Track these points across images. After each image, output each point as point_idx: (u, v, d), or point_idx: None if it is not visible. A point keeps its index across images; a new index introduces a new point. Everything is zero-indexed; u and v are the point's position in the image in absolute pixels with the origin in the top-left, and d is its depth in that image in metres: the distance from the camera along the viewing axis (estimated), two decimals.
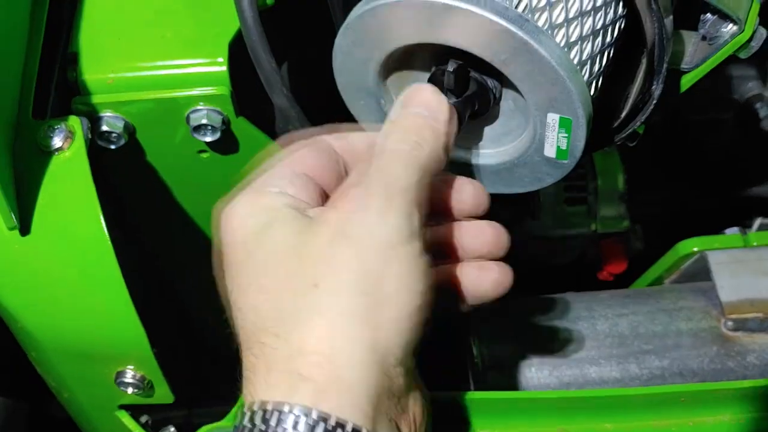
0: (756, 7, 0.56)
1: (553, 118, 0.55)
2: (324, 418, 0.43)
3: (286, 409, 0.43)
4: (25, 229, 0.57)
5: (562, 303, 0.86)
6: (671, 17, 0.54)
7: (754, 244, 0.88)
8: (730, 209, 1.10)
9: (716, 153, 1.10)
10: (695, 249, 0.87)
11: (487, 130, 0.61)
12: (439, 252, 0.53)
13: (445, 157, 0.52)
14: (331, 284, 0.46)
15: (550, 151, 0.57)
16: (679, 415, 0.64)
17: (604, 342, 0.83)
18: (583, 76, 0.55)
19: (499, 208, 0.97)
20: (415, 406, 0.49)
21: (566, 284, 1.00)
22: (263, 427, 0.43)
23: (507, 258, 1.07)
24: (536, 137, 0.56)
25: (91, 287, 0.58)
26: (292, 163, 0.52)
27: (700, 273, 0.88)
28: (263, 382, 0.45)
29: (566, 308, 0.86)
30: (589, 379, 0.82)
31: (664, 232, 1.06)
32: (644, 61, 0.57)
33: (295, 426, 0.43)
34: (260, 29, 0.62)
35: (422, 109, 0.52)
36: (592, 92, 0.56)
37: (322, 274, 0.46)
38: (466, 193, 0.55)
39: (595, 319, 0.85)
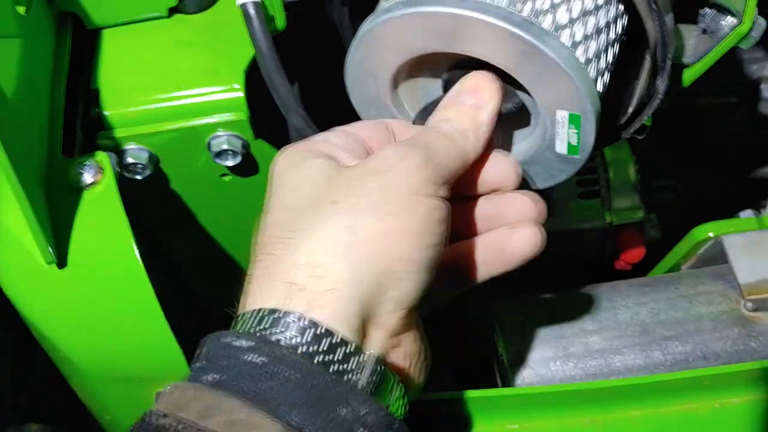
0: None
1: (562, 116, 0.56)
2: (315, 324, 0.44)
3: (280, 314, 0.45)
4: (62, 262, 0.59)
5: (583, 295, 0.88)
6: (671, 14, 0.56)
7: None
8: (744, 191, 1.11)
9: (726, 136, 1.11)
10: (711, 234, 0.88)
11: (499, 132, 0.63)
12: (455, 233, 0.55)
13: (482, 148, 0.55)
14: (349, 202, 0.48)
15: (561, 148, 0.58)
16: (705, 397, 0.65)
17: (627, 331, 0.84)
18: (590, 73, 0.57)
19: None
20: (410, 345, 0.50)
21: (585, 276, 1.01)
22: (256, 330, 0.44)
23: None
24: (547, 135, 0.58)
25: (128, 315, 0.60)
26: (344, 127, 0.56)
27: (716, 257, 0.89)
28: (262, 292, 0.46)
29: (587, 300, 0.87)
30: (614, 368, 0.83)
31: (679, 218, 1.07)
32: (648, 58, 0.59)
33: (285, 329, 0.44)
34: (274, 55, 0.64)
35: (473, 98, 0.55)
36: (599, 88, 0.58)
37: (344, 195, 0.48)
38: (499, 166, 0.57)
39: (616, 309, 0.86)
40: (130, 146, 0.66)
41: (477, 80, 0.56)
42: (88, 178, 0.60)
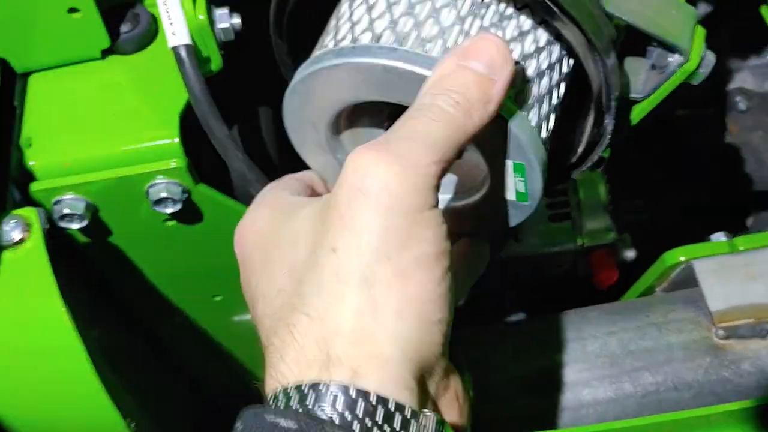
0: (701, 34, 0.55)
1: (507, 165, 0.54)
2: (365, 394, 0.40)
3: (322, 388, 0.40)
4: None
5: (551, 325, 0.86)
6: (613, 55, 0.54)
7: (741, 248, 0.86)
8: (718, 209, 1.08)
9: (699, 150, 1.09)
10: (681, 258, 0.86)
11: (449, 180, 0.60)
12: None
13: (486, 125, 0.47)
14: (350, 247, 0.42)
15: (510, 195, 0.56)
16: None
17: (596, 362, 0.82)
18: (532, 119, 0.54)
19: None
20: (456, 382, 0.46)
21: (559, 297, 0.99)
22: (299, 407, 0.40)
23: (497, 279, 1.06)
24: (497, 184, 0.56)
25: (60, 378, 0.58)
26: (282, 178, 0.53)
27: (688, 281, 0.87)
28: (294, 365, 0.42)
29: (555, 331, 0.85)
30: (584, 401, 0.81)
31: (655, 237, 1.05)
32: (593, 99, 0.56)
33: (333, 404, 0.39)
34: (209, 99, 0.61)
35: (481, 65, 0.46)
36: (543, 133, 0.56)
37: (340, 237, 0.42)
38: None
39: (585, 340, 0.84)
40: (66, 196, 0.64)
41: (488, 42, 0.46)
42: (14, 235, 0.58)
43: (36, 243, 0.58)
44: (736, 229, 0.99)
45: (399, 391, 0.41)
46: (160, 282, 0.75)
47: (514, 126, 0.51)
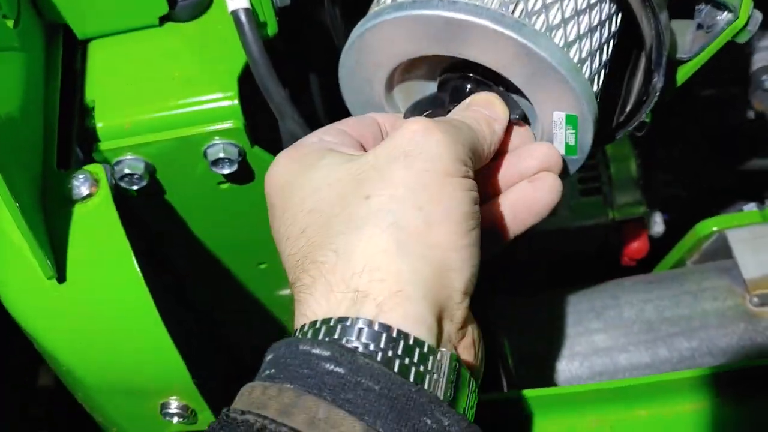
0: None
1: (559, 116, 0.56)
2: (387, 328, 0.43)
3: (349, 322, 0.43)
4: (61, 277, 0.59)
5: (588, 294, 0.88)
6: (666, 12, 0.55)
7: None
8: (749, 183, 1.10)
9: (729, 128, 1.10)
10: (714, 229, 0.88)
11: None
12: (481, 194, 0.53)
13: (490, 157, 0.55)
14: (384, 196, 0.46)
15: (559, 148, 0.58)
16: (710, 396, 0.65)
17: (632, 329, 0.84)
18: (585, 73, 0.56)
19: None
20: (474, 332, 0.49)
21: (591, 273, 1.01)
22: (327, 339, 0.43)
23: (528, 254, 1.07)
24: (544, 136, 0.58)
25: (130, 327, 0.60)
26: (333, 125, 0.55)
27: (721, 252, 0.88)
28: (324, 301, 0.45)
29: (592, 298, 0.87)
30: (620, 366, 0.83)
31: (685, 211, 1.07)
32: (644, 56, 0.58)
33: (358, 336, 0.43)
34: (267, 62, 0.63)
35: (486, 110, 0.55)
36: (595, 87, 0.57)
37: (376, 187, 0.46)
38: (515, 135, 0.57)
39: (621, 307, 0.86)
40: (126, 157, 0.66)
41: (488, 96, 0.56)
42: (83, 190, 0.60)
43: (104, 197, 0.60)
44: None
45: (419, 327, 0.44)
46: (210, 245, 0.77)
47: (570, 77, 0.53)
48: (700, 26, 0.59)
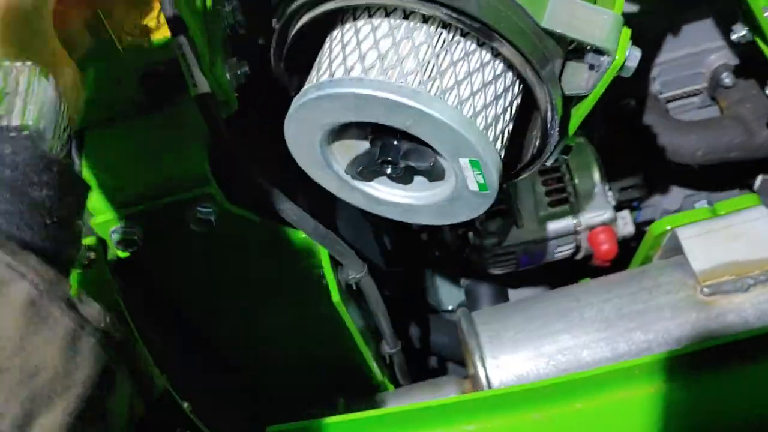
0: (626, 34, 0.65)
1: (464, 162, 0.65)
2: None
3: None
4: None
5: (554, 297, 0.96)
6: (551, 65, 0.64)
7: (722, 213, 0.94)
8: (718, 176, 1.15)
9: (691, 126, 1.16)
10: (668, 227, 0.95)
11: (422, 179, 0.72)
12: None
13: None
14: None
15: (473, 186, 0.67)
16: (641, 384, 0.72)
17: (593, 327, 0.92)
18: (480, 125, 0.65)
19: (485, 223, 1.07)
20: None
21: (565, 276, 1.09)
22: None
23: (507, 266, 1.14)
24: (459, 178, 0.67)
25: None
26: None
27: (678, 247, 0.95)
28: None
29: (557, 302, 0.95)
30: (584, 362, 0.91)
31: (656, 209, 1.13)
32: (539, 117, 0.67)
33: None
34: (230, 135, 0.74)
35: None
36: (495, 136, 0.66)
37: None
38: None
39: (583, 308, 0.94)
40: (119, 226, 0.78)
41: None
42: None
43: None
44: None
45: None
46: (203, 290, 0.89)
47: (463, 130, 0.63)
48: (591, 66, 0.68)
